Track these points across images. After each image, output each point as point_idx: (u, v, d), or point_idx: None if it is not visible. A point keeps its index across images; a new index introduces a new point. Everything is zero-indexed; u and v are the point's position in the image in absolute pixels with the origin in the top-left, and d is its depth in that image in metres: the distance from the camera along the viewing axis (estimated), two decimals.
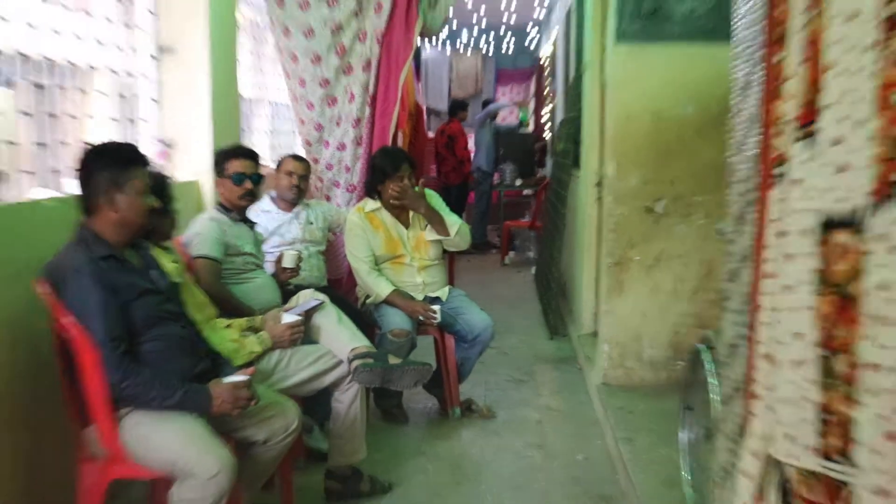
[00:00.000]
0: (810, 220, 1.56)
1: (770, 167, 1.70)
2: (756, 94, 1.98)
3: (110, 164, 2.97)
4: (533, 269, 9.92)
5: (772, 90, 1.70)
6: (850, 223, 1.46)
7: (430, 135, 11.09)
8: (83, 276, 2.87)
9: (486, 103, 13.33)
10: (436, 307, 4.83)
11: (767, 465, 1.69)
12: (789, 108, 1.62)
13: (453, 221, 5.02)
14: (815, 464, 1.56)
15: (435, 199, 5.14)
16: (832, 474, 1.53)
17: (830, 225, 1.50)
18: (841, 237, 1.48)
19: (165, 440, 2.88)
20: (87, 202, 3.00)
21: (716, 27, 4.77)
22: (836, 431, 1.51)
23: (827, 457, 1.54)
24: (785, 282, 1.62)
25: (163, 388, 2.89)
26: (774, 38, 1.70)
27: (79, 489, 3.00)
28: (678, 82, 4.95)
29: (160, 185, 3.52)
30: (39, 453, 3.30)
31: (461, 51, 16.78)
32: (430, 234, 4.97)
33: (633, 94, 5.06)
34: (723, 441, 2.28)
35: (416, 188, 4.95)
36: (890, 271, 1.29)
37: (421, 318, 4.77)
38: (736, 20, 2.20)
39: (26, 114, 3.73)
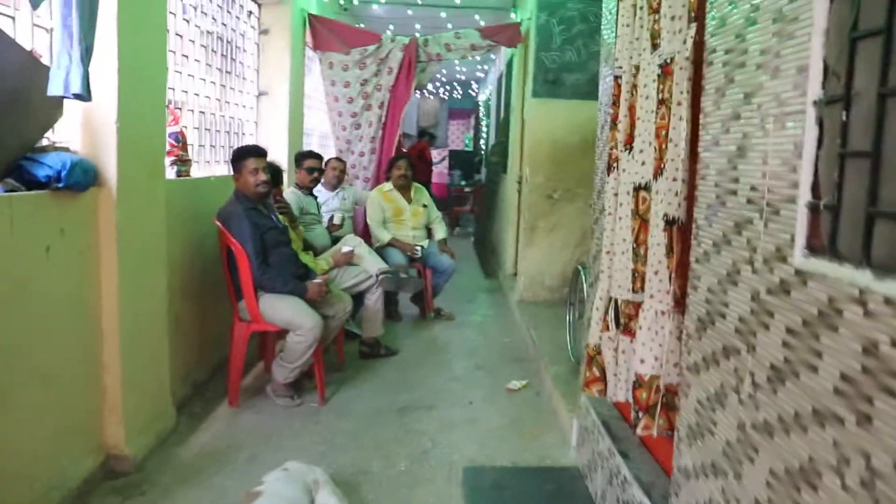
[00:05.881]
0: (630, 187, 2.31)
1: (610, 164, 2.46)
2: (606, 129, 2.74)
3: (236, 156, 3.65)
4: (472, 238, 10.57)
5: (611, 126, 2.45)
6: (647, 188, 2.22)
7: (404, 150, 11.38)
8: (240, 218, 3.53)
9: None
10: (418, 247, 5.46)
11: (609, 302, 2.45)
12: (620, 136, 2.37)
13: (439, 226, 5.72)
14: (630, 296, 2.32)
15: (423, 193, 5.78)
16: (637, 300, 2.29)
17: (638, 189, 2.26)
18: (642, 194, 2.24)
19: (284, 308, 3.57)
20: (234, 177, 3.67)
21: (590, 91, 5.40)
22: (639, 280, 2.28)
23: (634, 292, 2.30)
24: (619, 216, 2.38)
25: (282, 281, 3.58)
26: (613, 101, 2.45)
27: (232, 338, 3.67)
28: (568, 122, 5.63)
29: (276, 171, 4.18)
30: (214, 317, 3.97)
31: (427, 95, 17.27)
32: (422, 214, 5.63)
33: (541, 128, 5.74)
34: (589, 304, 3.05)
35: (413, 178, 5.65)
36: (654, 204, 2.04)
37: (408, 252, 5.39)
38: (600, 90, 2.95)
39: (203, 129, 4.37)
